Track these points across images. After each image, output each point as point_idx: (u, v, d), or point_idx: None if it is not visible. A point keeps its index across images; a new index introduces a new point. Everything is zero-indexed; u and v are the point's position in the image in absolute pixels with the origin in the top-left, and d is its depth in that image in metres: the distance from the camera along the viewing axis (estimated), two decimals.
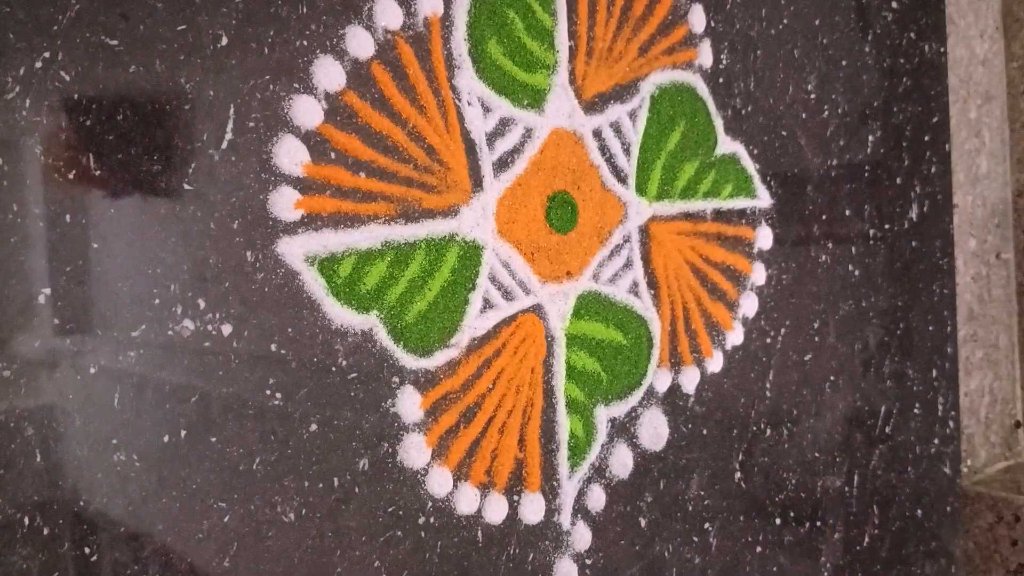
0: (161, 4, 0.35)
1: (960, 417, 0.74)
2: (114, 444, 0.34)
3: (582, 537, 0.49)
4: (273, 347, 0.38)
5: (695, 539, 0.54)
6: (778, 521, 0.59)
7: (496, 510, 0.45)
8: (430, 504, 0.43)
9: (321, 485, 0.40)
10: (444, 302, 0.44)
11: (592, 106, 0.49)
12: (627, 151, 0.51)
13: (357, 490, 0.41)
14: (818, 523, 0.62)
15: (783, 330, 0.59)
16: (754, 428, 0.57)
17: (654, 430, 0.52)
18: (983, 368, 0.80)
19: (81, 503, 0.34)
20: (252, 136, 0.38)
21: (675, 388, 0.53)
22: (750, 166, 0.57)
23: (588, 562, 0.49)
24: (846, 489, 0.63)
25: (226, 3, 0.37)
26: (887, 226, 0.67)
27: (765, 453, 0.58)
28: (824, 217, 0.62)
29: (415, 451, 0.42)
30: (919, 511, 0.69)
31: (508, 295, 0.46)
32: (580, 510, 0.49)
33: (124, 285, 0.35)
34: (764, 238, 0.58)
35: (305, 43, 0.39)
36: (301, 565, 0.39)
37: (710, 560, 0.55)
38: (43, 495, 0.33)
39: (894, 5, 0.67)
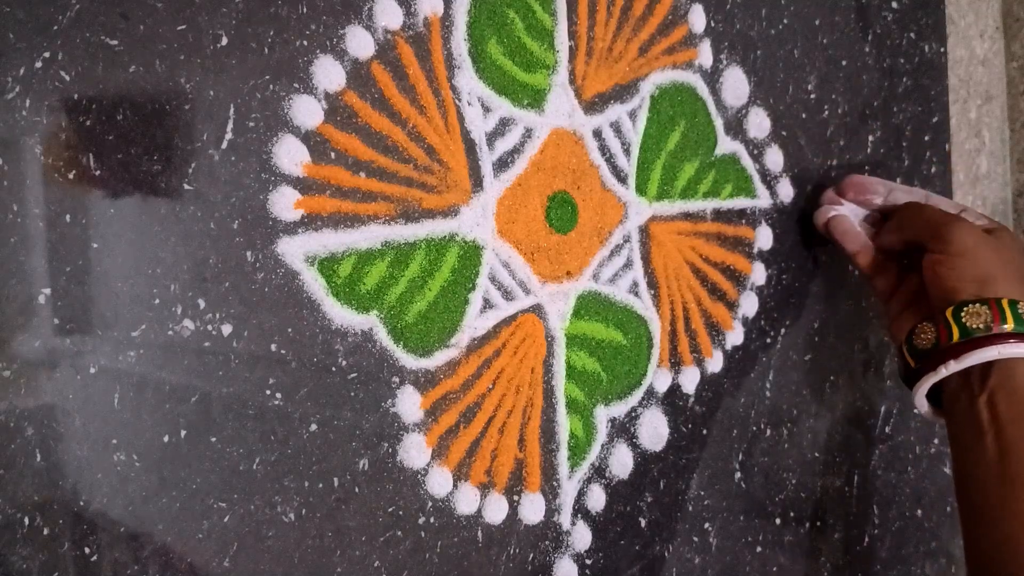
0: (161, 4, 0.35)
1: None
2: (114, 444, 0.34)
3: (582, 537, 0.49)
4: (273, 347, 0.38)
5: (695, 539, 0.54)
6: (778, 521, 0.59)
7: (496, 510, 0.45)
8: (430, 504, 0.43)
9: (321, 485, 0.40)
10: (444, 302, 0.44)
11: (592, 106, 0.49)
12: (627, 151, 0.51)
13: (357, 490, 0.41)
14: (818, 523, 0.62)
15: (783, 330, 0.59)
16: (754, 428, 0.57)
17: (654, 430, 0.52)
18: None
19: (81, 503, 0.34)
20: (252, 136, 0.38)
21: (675, 388, 0.53)
22: (750, 166, 0.57)
23: (588, 562, 0.49)
24: (846, 489, 0.63)
25: (226, 3, 0.37)
26: None
27: (765, 453, 0.58)
28: None
29: (415, 451, 0.42)
30: (919, 511, 0.69)
31: (508, 295, 0.46)
32: (580, 510, 0.49)
33: (124, 285, 0.35)
34: (764, 238, 0.58)
35: (305, 43, 0.39)
36: (301, 565, 0.39)
37: (710, 560, 0.55)
38: (43, 495, 0.33)
39: (894, 5, 0.67)
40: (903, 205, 0.55)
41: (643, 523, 0.52)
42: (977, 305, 0.47)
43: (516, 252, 0.46)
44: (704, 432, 0.55)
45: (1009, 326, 0.46)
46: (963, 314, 0.47)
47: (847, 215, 0.57)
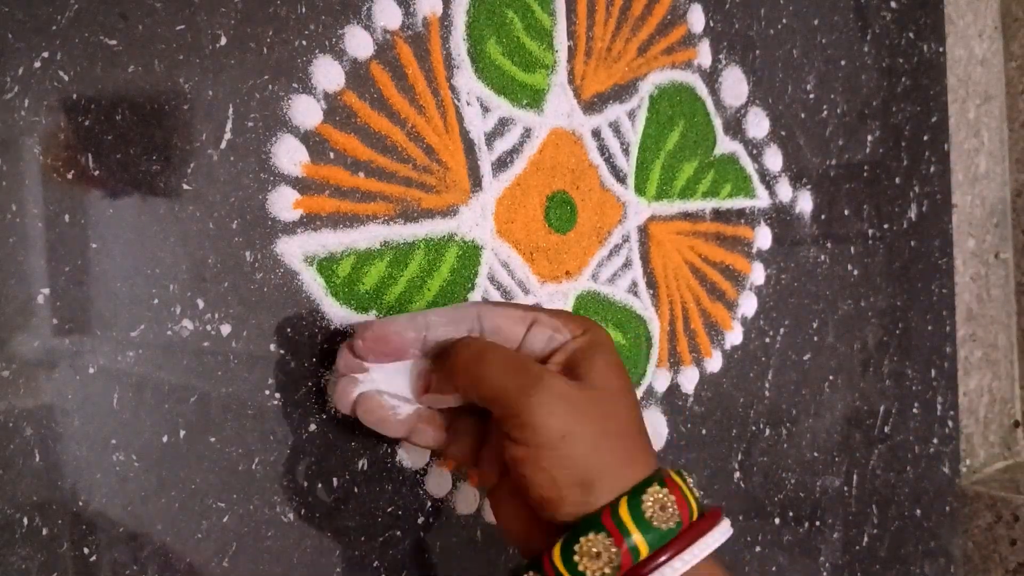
0: (160, 4, 0.35)
1: (959, 417, 0.74)
2: (113, 444, 0.34)
3: None
4: (272, 347, 0.38)
5: None
6: (777, 521, 0.59)
7: None
8: (429, 504, 0.43)
9: (320, 485, 0.40)
10: (443, 302, 0.44)
11: (591, 106, 0.49)
12: (626, 151, 0.51)
13: (357, 490, 0.41)
14: (817, 523, 0.62)
15: (782, 330, 0.59)
16: (753, 428, 0.57)
17: (653, 430, 0.52)
18: (982, 368, 0.80)
19: (80, 503, 0.34)
20: (251, 136, 0.38)
21: (674, 388, 0.53)
22: (749, 166, 0.57)
23: None
24: (845, 489, 0.63)
25: (225, 3, 0.37)
26: (886, 226, 0.67)
27: (764, 453, 0.58)
28: (823, 217, 0.62)
29: (415, 451, 0.42)
30: (918, 511, 0.69)
31: (507, 295, 0.46)
32: None
33: (123, 285, 0.35)
34: (763, 238, 0.58)
35: (304, 43, 0.39)
36: (300, 565, 0.39)
37: None
38: (42, 495, 0.33)
39: (893, 5, 0.67)
40: (453, 349, 0.36)
41: None
42: (592, 535, 0.32)
43: (515, 252, 0.46)
44: (703, 432, 0.55)
45: (643, 550, 0.32)
46: (575, 555, 0.32)
47: (375, 389, 0.38)
